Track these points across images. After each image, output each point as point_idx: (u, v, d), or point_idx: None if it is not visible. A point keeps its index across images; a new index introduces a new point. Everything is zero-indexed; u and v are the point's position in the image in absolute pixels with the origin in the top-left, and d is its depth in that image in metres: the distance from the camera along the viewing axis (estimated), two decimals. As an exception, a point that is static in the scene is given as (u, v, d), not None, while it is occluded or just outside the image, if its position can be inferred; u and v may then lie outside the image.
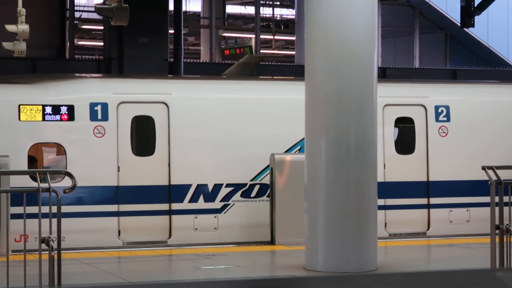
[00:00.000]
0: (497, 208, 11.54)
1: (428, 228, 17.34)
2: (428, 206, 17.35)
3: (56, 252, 9.82)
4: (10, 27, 15.67)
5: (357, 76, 12.47)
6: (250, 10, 40.27)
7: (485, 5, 27.45)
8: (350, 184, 12.43)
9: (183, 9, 29.54)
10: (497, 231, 11.54)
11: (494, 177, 11.58)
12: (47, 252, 9.81)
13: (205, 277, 12.28)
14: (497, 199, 11.56)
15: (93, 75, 21.40)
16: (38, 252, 9.95)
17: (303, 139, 14.08)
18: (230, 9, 41.07)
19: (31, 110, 15.56)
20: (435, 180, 17.41)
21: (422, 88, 18.42)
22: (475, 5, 27.32)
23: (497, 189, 11.55)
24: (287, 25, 40.57)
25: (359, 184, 12.45)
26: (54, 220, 9.86)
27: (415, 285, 2.99)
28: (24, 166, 15.27)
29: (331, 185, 12.45)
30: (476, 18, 27.44)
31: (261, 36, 36.04)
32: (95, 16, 31.64)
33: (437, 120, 17.57)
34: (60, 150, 15.84)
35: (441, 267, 13.19)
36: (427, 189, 17.36)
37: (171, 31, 27.14)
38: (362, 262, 12.36)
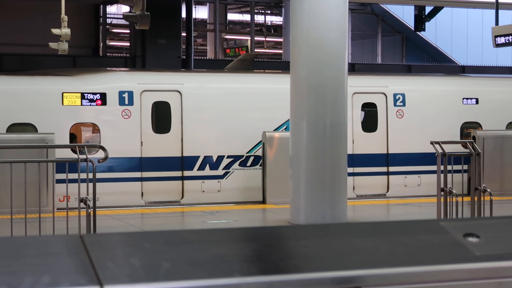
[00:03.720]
0: (442, 175, 11.61)
1: (388, 190, 17.40)
2: (388, 173, 17.41)
3: (92, 209, 9.86)
4: (55, 30, 15.65)
5: (331, 70, 12.49)
6: (246, 17, 40.18)
7: (433, 14, 27.55)
8: (325, 156, 12.47)
9: (193, 16, 29.47)
10: (442, 193, 11.61)
11: (440, 150, 11.64)
12: (85, 209, 9.85)
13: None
14: (442, 167, 11.63)
15: (121, 69, 21.37)
16: (77, 210, 9.99)
17: (288, 120, 14.12)
18: (231, 16, 40.97)
19: (72, 96, 15.56)
20: (393, 152, 17.46)
21: (383, 79, 18.44)
22: (426, 13, 27.41)
23: (442, 160, 11.62)
24: (276, 29, 40.47)
25: (333, 156, 12.49)
26: (90, 184, 9.89)
27: (376, 232, 3.04)
28: (66, 141, 15.30)
29: (310, 157, 12.49)
30: (426, 23, 27.52)
31: (255, 38, 35.99)
32: (123, 22, 31.56)
33: (395, 105, 17.59)
34: (95, 128, 15.86)
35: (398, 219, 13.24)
36: (387, 159, 17.41)
37: (184, 34, 27.09)
38: (335, 217, 12.42)
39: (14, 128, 15.08)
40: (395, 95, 17.61)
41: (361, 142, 17.21)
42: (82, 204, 9.93)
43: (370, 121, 17.58)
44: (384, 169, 17.41)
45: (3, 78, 16.40)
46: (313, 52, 12.50)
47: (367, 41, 36.54)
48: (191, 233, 2.94)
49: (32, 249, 2.64)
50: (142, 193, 15.86)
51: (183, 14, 27.39)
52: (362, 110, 17.49)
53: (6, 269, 2.47)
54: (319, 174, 12.47)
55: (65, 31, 15.54)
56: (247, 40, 36.44)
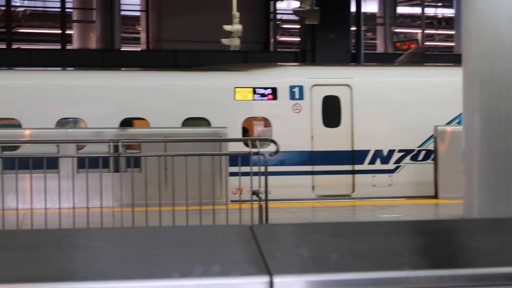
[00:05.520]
0: None
1: None
2: None
3: (264, 202, 10.00)
4: (227, 27, 15.95)
5: (505, 62, 12.11)
6: (417, 10, 39.59)
7: None
8: (500, 151, 12.11)
9: (362, 10, 29.32)
10: None
11: None
12: (257, 202, 10.00)
13: (381, 224, 12.23)
14: None
15: (292, 64, 21.54)
16: (250, 202, 10.15)
17: (460, 114, 13.80)
18: (401, 9, 40.47)
19: (244, 91, 15.82)
20: None
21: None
22: None
23: None
24: (447, 22, 39.68)
25: (508, 151, 12.11)
26: (262, 177, 10.03)
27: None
28: (239, 135, 15.56)
29: (484, 152, 12.17)
30: None
31: (426, 31, 35.40)
32: (292, 17, 31.81)
33: None
34: (266, 123, 16.05)
35: None
36: None
37: (353, 28, 27.00)
38: (510, 213, 12.04)
39: (189, 122, 15.50)
40: None
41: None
42: (254, 197, 10.08)
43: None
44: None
45: (179, 74, 16.89)
46: (485, 44, 12.16)
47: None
48: (360, 225, 2.92)
49: (203, 238, 2.70)
50: (313, 186, 15.93)
51: (353, 8, 27.30)
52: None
53: (178, 256, 2.54)
54: (493, 169, 12.12)
55: (237, 27, 15.81)
56: (417, 33, 35.94)
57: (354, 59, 26.17)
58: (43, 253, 2.73)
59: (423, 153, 16.25)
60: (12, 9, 32.77)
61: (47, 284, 2.36)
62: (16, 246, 2.82)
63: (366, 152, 16.14)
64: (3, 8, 31.85)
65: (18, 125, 14.80)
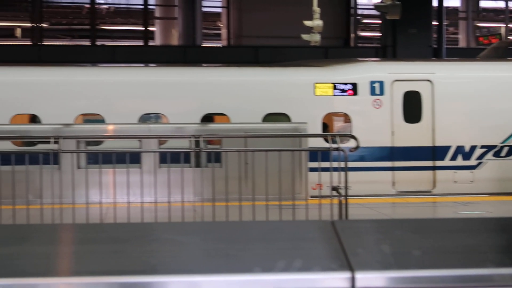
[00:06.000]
0: None
1: None
2: None
3: (343, 198, 9.96)
4: (308, 22, 15.94)
5: None
6: (500, 3, 38.87)
7: None
8: None
9: (444, 4, 28.94)
10: None
11: None
12: (337, 197, 9.97)
13: (463, 220, 12.06)
14: None
15: (372, 59, 21.40)
16: (330, 198, 10.13)
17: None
18: (484, 3, 39.80)
19: (324, 87, 15.78)
20: None
21: None
22: None
23: None
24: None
25: None
26: (342, 173, 9.99)
27: None
28: (319, 131, 15.53)
29: None
30: None
31: (509, 25, 34.75)
32: (373, 12, 31.58)
33: None
34: (346, 118, 15.99)
35: None
36: None
37: (435, 23, 26.68)
38: None
39: (269, 117, 15.54)
40: None
41: None
42: (334, 193, 10.05)
43: None
44: None
45: (259, 69, 16.93)
46: None
47: None
48: (441, 222, 2.89)
49: (285, 233, 2.71)
50: (393, 182, 15.80)
51: (434, 3, 26.98)
52: None
53: (260, 251, 2.55)
54: None
55: (317, 22, 15.78)
56: (500, 27, 35.31)
57: (435, 54, 25.86)
58: (127, 246, 2.77)
59: (506, 149, 15.96)
60: (96, 6, 33.32)
61: (132, 277, 2.40)
62: (101, 239, 2.87)
63: (447, 148, 15.94)
64: (88, 5, 32.42)
65: (101, 121, 15.06)
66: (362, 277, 2.40)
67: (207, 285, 2.40)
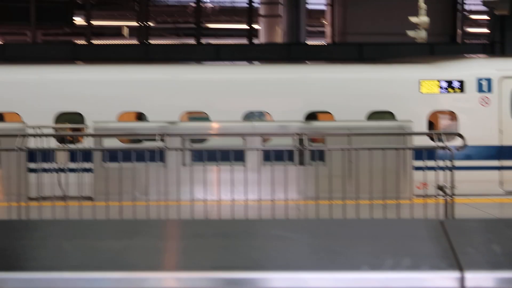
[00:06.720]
0: None
1: None
2: None
3: (449, 197, 9.82)
4: (413, 19, 15.77)
5: None
6: None
7: None
8: None
9: (556, -1, 28.18)
10: None
11: None
12: (443, 197, 9.83)
13: None
14: None
15: (479, 55, 21.01)
16: (435, 197, 10.00)
17: None
18: None
19: (429, 84, 15.58)
20: None
21: None
22: None
23: None
24: None
25: None
26: (448, 172, 9.85)
27: None
28: (424, 129, 15.34)
29: None
30: None
31: None
32: (481, 8, 31.01)
33: None
34: (453, 116, 15.75)
35: None
36: None
37: (545, 18, 26.00)
38: None
39: (373, 115, 15.44)
40: None
41: None
42: (439, 192, 9.92)
43: None
44: None
45: (363, 67, 16.84)
46: None
47: None
48: (555, 222, 2.82)
49: (391, 231, 2.69)
50: (501, 182, 15.48)
51: (545, -3, 26.29)
52: None
53: (367, 249, 2.54)
54: None
55: (424, 19, 15.59)
56: None
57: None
58: (234, 241, 2.80)
59: None
60: (201, 5, 33.74)
61: (240, 273, 2.42)
62: (208, 234, 2.90)
63: (558, 147, 15.52)
64: (193, 4, 32.84)
65: (206, 118, 15.24)
66: (471, 277, 2.37)
67: (314, 282, 2.40)
